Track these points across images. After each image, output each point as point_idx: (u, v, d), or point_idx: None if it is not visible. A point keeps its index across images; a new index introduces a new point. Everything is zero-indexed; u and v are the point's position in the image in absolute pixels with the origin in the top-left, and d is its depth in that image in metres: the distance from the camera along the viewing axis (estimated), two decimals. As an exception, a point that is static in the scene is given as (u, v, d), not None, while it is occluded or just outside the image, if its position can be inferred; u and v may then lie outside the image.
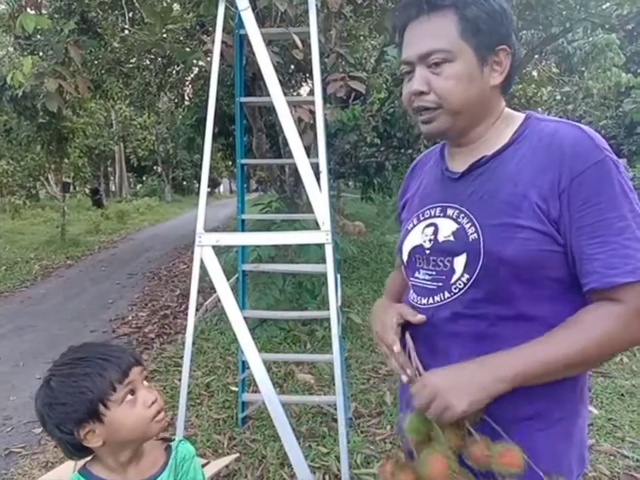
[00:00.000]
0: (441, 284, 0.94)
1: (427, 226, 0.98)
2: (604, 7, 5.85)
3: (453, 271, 0.92)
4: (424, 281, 0.98)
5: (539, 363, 0.84)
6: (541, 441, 0.92)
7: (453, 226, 0.93)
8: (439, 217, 0.97)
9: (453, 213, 0.94)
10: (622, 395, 3.13)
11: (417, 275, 1.00)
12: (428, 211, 1.00)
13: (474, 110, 0.93)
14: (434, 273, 0.96)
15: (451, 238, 0.93)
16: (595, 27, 5.63)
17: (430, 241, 0.97)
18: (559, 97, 9.26)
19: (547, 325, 0.89)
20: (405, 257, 1.04)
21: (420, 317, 0.96)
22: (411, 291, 1.03)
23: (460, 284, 0.91)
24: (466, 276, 0.90)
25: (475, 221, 0.91)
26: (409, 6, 0.93)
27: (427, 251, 0.97)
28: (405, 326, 1.03)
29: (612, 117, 14.43)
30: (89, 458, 1.05)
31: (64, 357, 1.01)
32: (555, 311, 0.90)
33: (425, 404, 0.86)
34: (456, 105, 0.91)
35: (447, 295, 0.93)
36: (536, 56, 7.83)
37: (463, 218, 0.92)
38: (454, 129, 0.94)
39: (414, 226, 1.02)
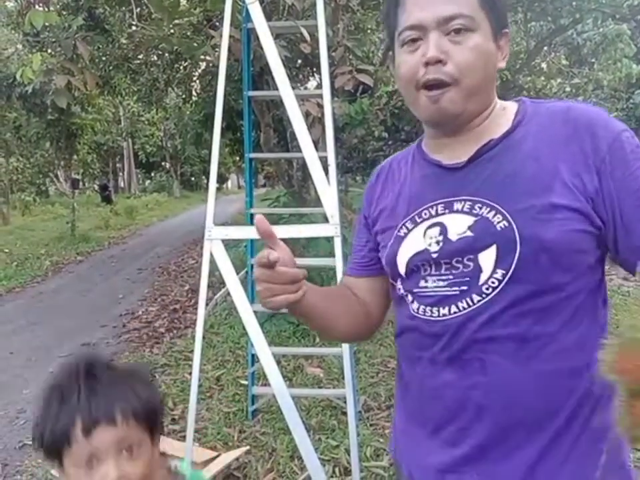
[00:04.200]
0: (465, 287, 0.81)
1: (430, 227, 0.86)
2: (614, -4, 5.78)
3: (479, 269, 0.80)
4: (436, 289, 0.84)
5: None
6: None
7: (468, 220, 0.81)
8: (443, 214, 0.85)
9: (464, 206, 0.83)
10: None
11: (422, 284, 0.86)
12: (426, 211, 0.87)
13: (486, 93, 0.85)
14: (451, 277, 0.82)
15: (469, 233, 0.81)
16: (605, 18, 5.58)
17: (438, 243, 0.84)
18: (568, 89, 9.16)
19: (594, 320, 0.82)
20: (402, 269, 0.89)
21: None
22: (414, 303, 0.87)
23: (493, 282, 0.79)
24: (500, 272, 0.78)
25: (500, 208, 0.79)
26: None
27: (435, 255, 0.83)
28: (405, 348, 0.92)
29: (622, 109, 14.29)
30: None
31: (65, 368, 0.83)
32: (595, 302, 0.83)
33: None
34: (474, 83, 0.81)
35: (476, 298, 0.80)
36: (545, 48, 7.77)
37: (481, 208, 0.81)
38: (465, 113, 0.84)
39: (409, 231, 0.89)
